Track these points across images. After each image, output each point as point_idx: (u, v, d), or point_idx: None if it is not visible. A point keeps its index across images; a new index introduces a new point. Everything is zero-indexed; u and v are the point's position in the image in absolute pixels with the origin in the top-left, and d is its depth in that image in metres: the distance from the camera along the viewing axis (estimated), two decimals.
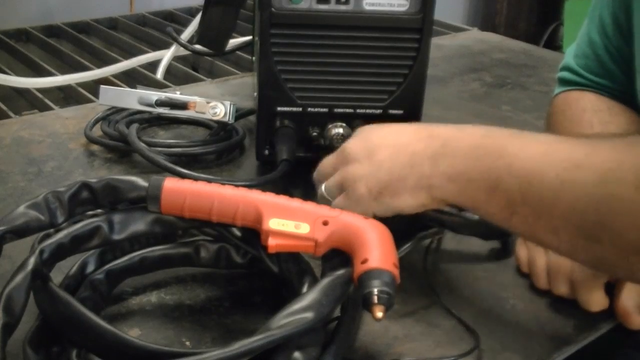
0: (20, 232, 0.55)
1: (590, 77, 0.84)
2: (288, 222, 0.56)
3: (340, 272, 0.54)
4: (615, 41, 0.81)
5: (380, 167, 0.61)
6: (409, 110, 0.81)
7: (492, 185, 0.56)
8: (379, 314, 0.51)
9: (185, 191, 0.58)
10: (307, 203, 0.58)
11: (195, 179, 0.67)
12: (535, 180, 0.54)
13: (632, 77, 0.79)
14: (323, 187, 0.67)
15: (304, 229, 0.56)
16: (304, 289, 0.56)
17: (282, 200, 0.58)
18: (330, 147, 0.81)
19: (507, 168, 0.55)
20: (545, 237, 0.55)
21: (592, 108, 0.81)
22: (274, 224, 0.56)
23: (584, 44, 0.85)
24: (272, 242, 0.56)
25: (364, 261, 0.53)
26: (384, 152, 0.62)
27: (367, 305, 0.51)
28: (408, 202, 0.60)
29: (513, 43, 1.45)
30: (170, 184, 0.58)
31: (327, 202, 0.64)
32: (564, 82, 0.87)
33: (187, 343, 0.57)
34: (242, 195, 0.58)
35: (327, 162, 0.68)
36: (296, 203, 0.58)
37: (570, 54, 0.88)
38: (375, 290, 0.51)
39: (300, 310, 0.50)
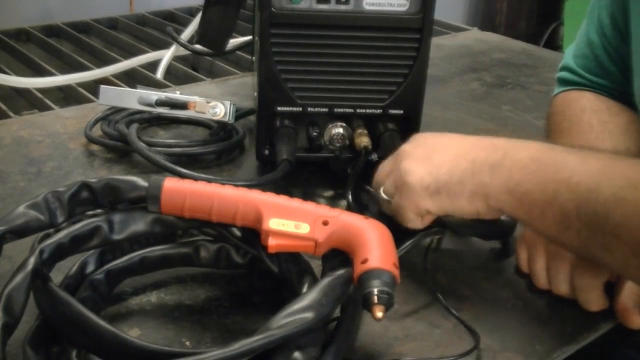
0: (20, 232, 0.55)
1: (589, 77, 0.84)
2: (288, 222, 0.56)
3: (340, 272, 0.54)
4: (614, 41, 0.81)
5: (440, 168, 0.62)
6: (409, 110, 0.81)
7: (548, 198, 0.56)
8: (379, 314, 0.51)
9: (185, 191, 0.58)
10: (307, 203, 0.58)
11: (195, 179, 0.67)
12: (592, 196, 0.54)
13: (630, 77, 0.80)
14: (382, 190, 0.67)
15: (304, 229, 0.56)
16: (304, 289, 0.56)
17: (282, 200, 0.58)
18: (330, 147, 0.81)
19: (565, 182, 0.56)
20: (598, 253, 0.55)
21: (591, 108, 0.81)
22: (274, 223, 0.56)
23: (583, 44, 0.86)
24: (272, 242, 0.56)
25: (364, 261, 0.53)
26: (444, 156, 0.63)
27: (367, 305, 0.52)
28: (464, 207, 0.62)
29: (513, 43, 1.45)
30: (170, 184, 0.58)
31: (389, 204, 0.66)
32: (563, 82, 0.87)
33: (187, 343, 0.57)
34: (242, 195, 0.58)
35: (383, 166, 0.69)
36: (296, 203, 0.58)
37: (569, 54, 0.88)
38: (375, 290, 0.51)
39: (300, 310, 0.50)
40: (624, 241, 0.53)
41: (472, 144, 0.63)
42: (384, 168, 0.69)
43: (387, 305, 0.51)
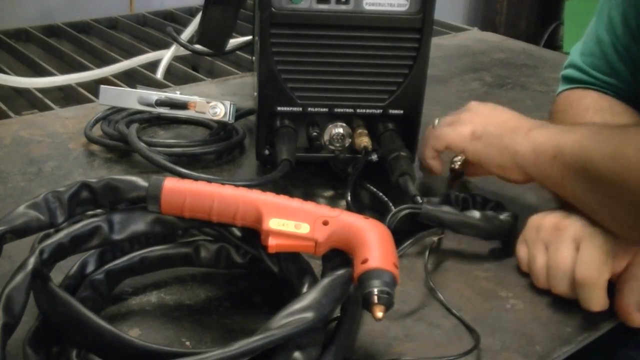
0: (20, 232, 0.55)
1: (596, 74, 0.84)
2: (288, 222, 0.56)
3: (341, 272, 0.54)
4: (624, 40, 0.81)
5: (493, 120, 0.74)
6: (409, 110, 0.81)
7: (555, 152, 0.66)
8: (379, 313, 0.51)
9: (185, 191, 0.58)
10: (307, 203, 0.58)
11: (195, 179, 0.67)
12: (592, 153, 0.63)
13: (638, 76, 0.80)
14: (437, 120, 0.80)
15: (304, 229, 0.56)
16: (304, 289, 0.56)
17: (282, 200, 0.58)
18: (330, 147, 0.81)
19: (572, 140, 0.65)
20: (595, 207, 0.64)
21: (594, 107, 0.81)
22: (274, 223, 0.56)
23: (592, 41, 0.85)
24: (272, 242, 0.56)
25: (364, 261, 0.53)
26: (502, 116, 0.75)
27: (367, 305, 0.51)
28: (494, 157, 0.72)
29: (513, 43, 1.45)
30: (170, 184, 0.58)
31: (433, 130, 0.80)
32: (568, 79, 0.87)
33: (187, 343, 0.57)
34: (242, 195, 0.58)
35: (446, 117, 0.80)
36: (296, 203, 0.58)
37: (576, 52, 0.88)
38: (375, 290, 0.51)
39: (300, 310, 0.50)
40: (623, 194, 0.59)
41: (526, 120, 0.73)
42: (447, 118, 0.80)
43: (387, 305, 0.51)
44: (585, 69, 0.84)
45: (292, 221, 0.56)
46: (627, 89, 0.82)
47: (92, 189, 0.58)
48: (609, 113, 0.80)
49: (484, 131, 0.73)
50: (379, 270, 0.52)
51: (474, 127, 0.74)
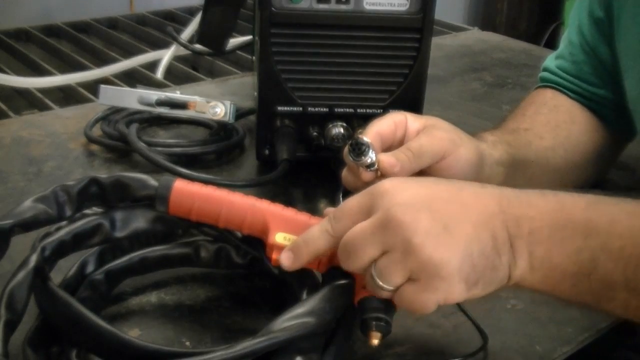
0: (28, 225, 0.54)
1: (564, 76, 0.85)
2: (294, 237, 0.56)
3: (343, 281, 0.54)
4: (592, 40, 0.82)
5: (469, 247, 0.49)
6: (410, 110, 0.80)
7: (585, 269, 0.50)
8: (375, 341, 0.52)
9: (194, 194, 0.57)
10: (315, 218, 0.57)
11: (195, 179, 0.67)
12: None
13: (605, 78, 0.80)
14: (373, 270, 0.50)
15: None
16: (305, 292, 0.57)
17: (290, 213, 0.57)
18: (330, 147, 0.81)
19: (603, 247, 0.49)
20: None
21: (539, 102, 0.83)
22: (279, 238, 0.56)
23: (564, 44, 0.87)
24: (277, 257, 0.56)
25: (365, 286, 0.53)
26: (464, 228, 0.50)
27: (364, 330, 0.53)
28: (491, 291, 0.52)
29: (513, 43, 1.45)
30: (181, 185, 0.57)
31: (376, 286, 0.51)
32: (541, 80, 0.88)
33: (187, 343, 0.57)
34: (251, 204, 0.57)
35: (363, 231, 0.51)
36: (304, 217, 0.57)
37: (552, 56, 0.89)
38: (374, 317, 0.52)
39: (302, 315, 0.50)
40: None
41: (478, 203, 0.51)
42: (364, 234, 0.50)
43: (384, 332, 0.53)
44: (555, 71, 0.86)
45: (297, 237, 0.56)
46: (593, 91, 0.83)
47: (102, 185, 0.57)
48: (547, 108, 0.81)
49: (476, 271, 0.49)
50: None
51: (461, 272, 0.49)
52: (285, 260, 0.55)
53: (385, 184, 0.52)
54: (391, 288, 0.50)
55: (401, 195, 0.50)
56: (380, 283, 0.50)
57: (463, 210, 0.50)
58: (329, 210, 0.56)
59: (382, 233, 0.49)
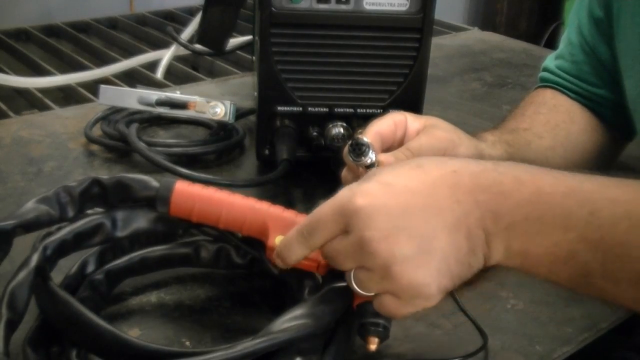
0: (31, 226, 0.54)
1: (564, 76, 0.85)
2: None
3: (342, 284, 0.54)
4: (591, 39, 0.82)
5: (447, 259, 0.50)
6: (410, 110, 0.80)
7: (562, 258, 0.49)
8: (372, 346, 0.52)
9: (195, 196, 0.57)
10: None
11: (195, 179, 0.67)
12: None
13: (604, 78, 0.80)
14: (352, 277, 0.51)
15: None
16: (305, 293, 0.57)
17: (290, 215, 0.57)
18: (330, 147, 0.81)
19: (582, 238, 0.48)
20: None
21: (539, 102, 0.83)
22: (279, 241, 0.56)
23: (564, 45, 0.87)
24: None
25: None
26: (440, 240, 0.50)
27: (362, 334, 0.53)
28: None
29: (513, 43, 1.45)
30: (182, 186, 0.57)
31: (354, 290, 0.52)
32: (541, 80, 0.88)
33: (187, 343, 0.57)
34: (251, 206, 0.57)
35: (343, 247, 0.51)
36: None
37: (551, 57, 0.89)
38: (372, 322, 0.52)
39: (302, 316, 0.50)
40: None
41: (451, 194, 0.50)
42: (346, 256, 0.51)
43: (382, 337, 0.53)
44: (555, 71, 0.86)
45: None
46: (592, 91, 0.83)
47: (104, 186, 0.58)
48: (546, 108, 0.81)
49: (452, 279, 0.51)
50: None
51: (440, 286, 0.50)
52: (278, 263, 0.55)
53: (357, 201, 0.49)
54: (370, 294, 0.51)
55: (375, 218, 0.49)
56: (359, 290, 0.51)
57: (437, 215, 0.50)
58: (301, 218, 0.54)
59: (359, 254, 0.50)
